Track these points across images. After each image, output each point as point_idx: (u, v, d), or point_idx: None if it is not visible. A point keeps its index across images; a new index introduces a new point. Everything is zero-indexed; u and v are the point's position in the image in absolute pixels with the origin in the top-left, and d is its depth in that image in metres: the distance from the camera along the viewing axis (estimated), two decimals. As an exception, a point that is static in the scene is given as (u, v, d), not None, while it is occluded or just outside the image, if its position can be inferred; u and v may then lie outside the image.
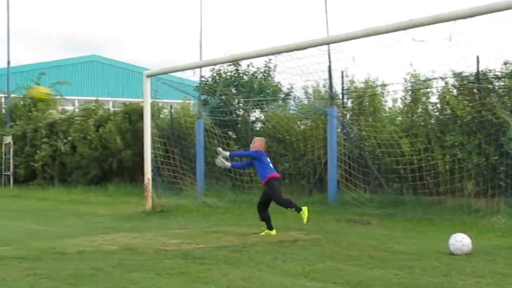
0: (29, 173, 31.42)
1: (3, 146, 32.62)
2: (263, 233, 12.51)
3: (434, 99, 17.49)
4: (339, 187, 17.66)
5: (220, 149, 13.43)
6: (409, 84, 17.78)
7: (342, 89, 18.77)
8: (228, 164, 13.31)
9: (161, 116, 25.75)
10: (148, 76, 18.29)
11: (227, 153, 13.35)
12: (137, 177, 25.19)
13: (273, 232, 12.50)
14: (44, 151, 29.92)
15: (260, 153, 12.72)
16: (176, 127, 23.76)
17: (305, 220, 12.35)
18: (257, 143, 13.00)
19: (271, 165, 12.83)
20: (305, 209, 12.37)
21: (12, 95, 35.63)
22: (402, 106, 18.42)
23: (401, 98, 18.33)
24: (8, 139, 31.97)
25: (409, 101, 18.01)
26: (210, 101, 23.38)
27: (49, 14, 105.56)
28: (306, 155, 19.61)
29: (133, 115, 26.63)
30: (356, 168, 17.51)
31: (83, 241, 11.56)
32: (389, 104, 19.01)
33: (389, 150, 16.87)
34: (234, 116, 23.11)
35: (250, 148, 13.11)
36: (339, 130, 18.36)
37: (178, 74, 19.40)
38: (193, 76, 19.69)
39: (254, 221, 14.78)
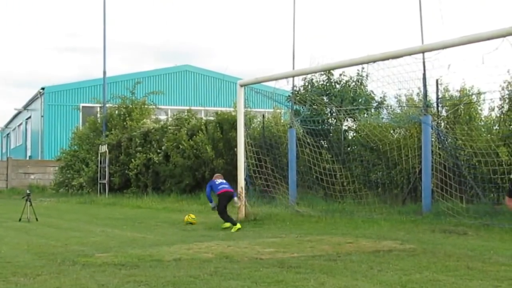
0: (124, 181, 32.09)
1: (99, 155, 33.39)
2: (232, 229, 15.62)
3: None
4: (434, 196, 17.38)
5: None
6: (507, 92, 17.37)
7: (437, 98, 18.50)
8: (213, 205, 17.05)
9: (253, 125, 25.88)
10: (241, 86, 18.39)
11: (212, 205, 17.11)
12: (229, 186, 25.41)
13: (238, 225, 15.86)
14: (138, 160, 30.49)
15: (211, 183, 17.11)
16: (268, 136, 23.85)
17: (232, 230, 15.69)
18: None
19: (222, 182, 16.94)
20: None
21: (107, 105, 36.43)
22: (499, 115, 18.01)
23: (497, 107, 17.94)
24: (104, 148, 32.71)
25: (506, 109, 17.60)
26: (302, 110, 23.39)
27: (142, 26, 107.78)
28: (400, 164, 19.38)
29: (225, 124, 26.88)
30: (452, 177, 17.18)
31: (179, 249, 11.70)
32: (485, 112, 18.64)
33: (486, 159, 16.51)
34: (326, 125, 23.05)
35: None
36: (433, 139, 18.08)
37: (271, 84, 19.42)
38: (286, 86, 19.71)
39: (348, 230, 14.74)
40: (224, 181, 17.16)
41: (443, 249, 11.29)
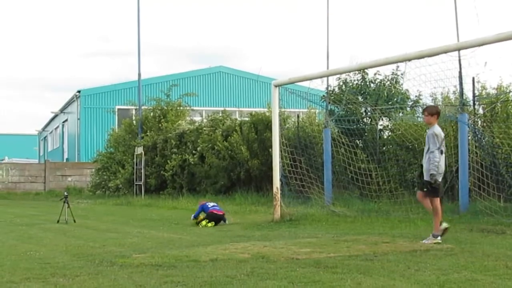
0: (160, 182, 32.25)
1: (135, 156, 33.62)
2: None
3: None
4: (471, 195, 17.21)
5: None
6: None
7: (473, 96, 18.33)
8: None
9: (287, 125, 25.87)
10: (276, 86, 18.37)
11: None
12: (264, 186, 25.44)
13: None
14: (174, 161, 30.62)
15: (203, 206, 18.12)
16: (302, 136, 23.82)
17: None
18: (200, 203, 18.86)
19: (214, 205, 18.26)
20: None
21: (142, 107, 36.64)
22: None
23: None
24: (140, 150, 32.92)
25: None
26: (336, 110, 23.32)
27: (176, 29, 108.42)
28: (436, 163, 19.19)
29: (260, 125, 26.91)
30: (489, 176, 17.01)
31: (215, 249, 11.72)
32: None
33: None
34: (361, 124, 22.96)
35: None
36: (470, 137, 17.92)
37: (305, 83, 19.37)
38: (320, 85, 19.63)
39: (384, 230, 14.66)
40: (216, 204, 18.59)
41: (481, 249, 11.17)
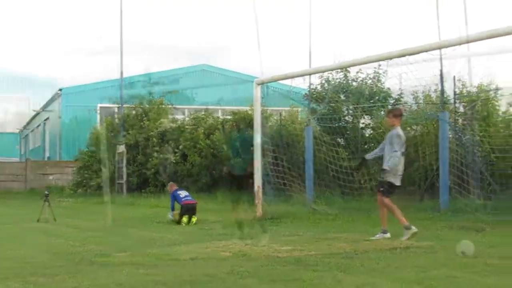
0: (142, 181, 32.13)
1: (117, 155, 33.47)
2: None
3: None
4: (451, 193, 17.29)
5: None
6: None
7: (454, 94, 18.42)
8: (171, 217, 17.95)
9: (269, 123, 25.87)
10: (258, 84, 18.37)
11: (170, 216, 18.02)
12: (246, 185, 25.40)
13: None
14: (156, 160, 30.54)
15: (174, 194, 18.18)
16: (285, 134, 23.82)
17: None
18: (170, 188, 18.89)
19: (186, 195, 18.16)
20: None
21: (125, 105, 36.44)
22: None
23: (516, 102, 17.88)
24: (122, 148, 32.78)
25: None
26: (319, 108, 23.35)
27: (160, 26, 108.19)
28: (417, 161, 19.29)
29: (242, 123, 26.89)
30: (469, 173, 17.10)
31: (196, 248, 11.72)
32: (503, 108, 18.54)
33: (504, 155, 16.42)
34: (343, 123, 22.99)
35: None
36: (451, 135, 18.00)
37: (287, 82, 19.40)
38: (302, 84, 19.68)
39: (365, 228, 14.70)
40: (188, 193, 18.64)
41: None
